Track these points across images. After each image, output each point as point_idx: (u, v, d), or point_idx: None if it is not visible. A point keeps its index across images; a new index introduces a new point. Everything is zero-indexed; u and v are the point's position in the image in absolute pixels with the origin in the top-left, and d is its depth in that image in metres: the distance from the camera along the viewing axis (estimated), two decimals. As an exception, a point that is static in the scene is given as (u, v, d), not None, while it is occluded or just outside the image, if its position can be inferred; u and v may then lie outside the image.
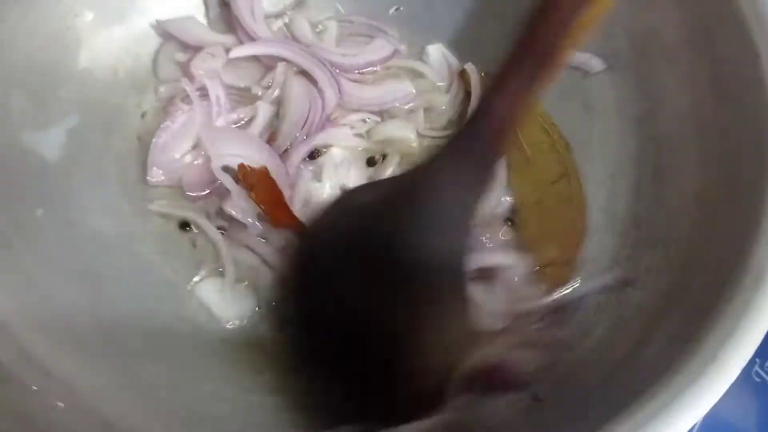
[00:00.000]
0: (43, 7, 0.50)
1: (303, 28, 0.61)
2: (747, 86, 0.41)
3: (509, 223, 0.54)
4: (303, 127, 0.57)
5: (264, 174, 0.53)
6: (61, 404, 0.39)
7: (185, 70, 0.57)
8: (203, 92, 0.56)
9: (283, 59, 0.58)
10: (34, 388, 0.39)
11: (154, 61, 0.57)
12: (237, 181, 0.52)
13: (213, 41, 0.59)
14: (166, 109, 0.56)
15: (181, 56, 0.58)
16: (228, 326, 0.51)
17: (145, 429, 0.41)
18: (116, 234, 0.52)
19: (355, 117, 0.58)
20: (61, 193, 0.50)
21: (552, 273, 0.50)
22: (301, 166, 0.56)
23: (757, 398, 0.52)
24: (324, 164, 0.56)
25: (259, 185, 0.52)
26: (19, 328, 0.41)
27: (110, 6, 0.55)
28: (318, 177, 0.55)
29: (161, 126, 0.55)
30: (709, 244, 0.39)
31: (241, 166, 0.52)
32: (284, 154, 0.56)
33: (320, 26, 0.62)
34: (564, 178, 0.55)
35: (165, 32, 0.58)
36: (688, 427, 0.30)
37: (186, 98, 0.56)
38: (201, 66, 0.57)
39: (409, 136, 0.58)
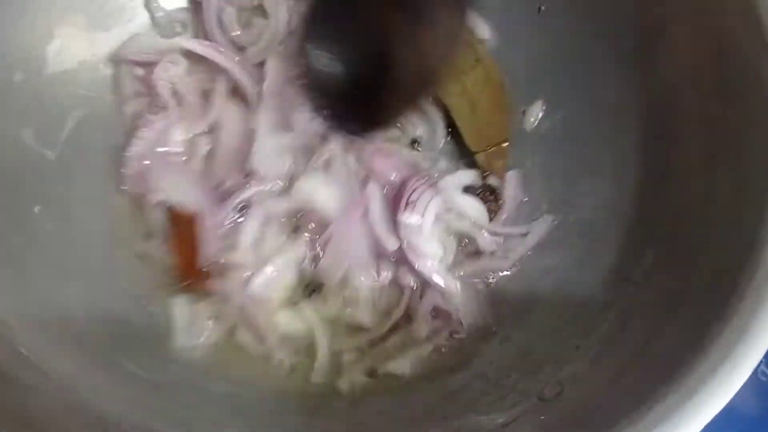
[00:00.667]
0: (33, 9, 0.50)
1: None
2: (754, 84, 0.40)
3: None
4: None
5: (189, 223, 0.52)
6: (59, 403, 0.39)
7: (147, 83, 0.56)
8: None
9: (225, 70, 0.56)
10: (32, 386, 0.39)
11: (114, 83, 0.56)
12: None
13: (168, 48, 0.57)
14: (134, 124, 0.55)
15: (139, 71, 0.56)
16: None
17: (145, 427, 0.41)
18: (112, 232, 0.52)
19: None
20: (59, 192, 0.50)
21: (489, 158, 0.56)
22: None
23: (763, 397, 0.52)
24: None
25: (181, 234, 0.52)
26: (16, 326, 0.41)
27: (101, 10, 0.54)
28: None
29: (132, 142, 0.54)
30: (716, 242, 0.39)
31: (173, 210, 0.52)
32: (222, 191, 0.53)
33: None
34: (478, 63, 0.59)
35: (121, 59, 0.56)
36: (699, 429, 0.30)
37: (153, 108, 0.55)
38: (163, 76, 0.55)
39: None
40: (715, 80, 0.44)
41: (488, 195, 0.57)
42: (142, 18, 0.57)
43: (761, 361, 0.52)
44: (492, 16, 0.58)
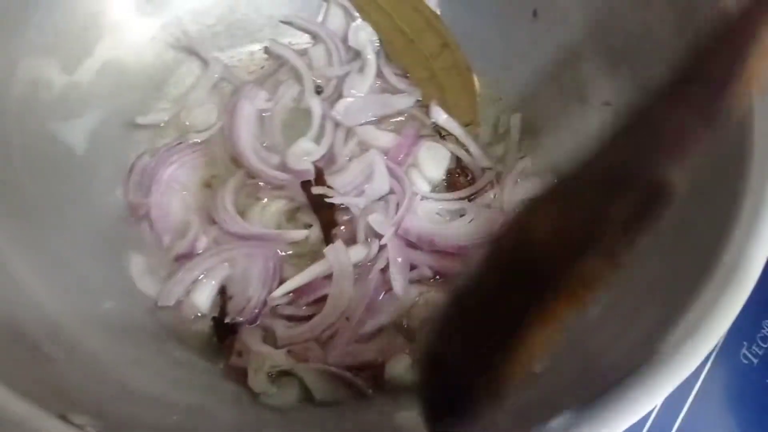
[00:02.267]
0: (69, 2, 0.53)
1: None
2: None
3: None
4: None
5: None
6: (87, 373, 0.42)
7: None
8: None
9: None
10: (61, 360, 0.41)
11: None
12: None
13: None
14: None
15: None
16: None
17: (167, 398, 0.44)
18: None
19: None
20: (86, 181, 0.53)
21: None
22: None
23: (745, 379, 0.54)
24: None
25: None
26: (50, 305, 0.44)
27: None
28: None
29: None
30: (695, 226, 0.41)
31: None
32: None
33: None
34: (445, 48, 0.61)
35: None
36: (671, 389, 0.33)
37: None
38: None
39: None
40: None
41: (459, 175, 0.59)
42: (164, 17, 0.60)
43: (743, 345, 0.55)
44: (487, 17, 0.61)
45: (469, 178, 0.58)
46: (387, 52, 0.64)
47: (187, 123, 0.59)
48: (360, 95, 0.61)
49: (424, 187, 0.57)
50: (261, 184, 0.57)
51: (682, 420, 0.53)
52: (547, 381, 0.41)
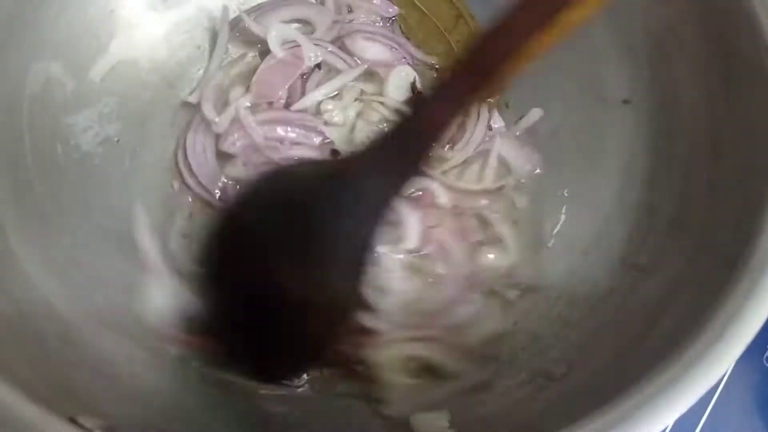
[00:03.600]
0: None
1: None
2: (757, 79, 0.42)
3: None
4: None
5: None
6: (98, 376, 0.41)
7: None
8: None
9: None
10: (74, 361, 0.41)
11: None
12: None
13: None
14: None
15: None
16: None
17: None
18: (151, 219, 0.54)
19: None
20: (98, 179, 0.52)
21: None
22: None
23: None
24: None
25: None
26: (63, 306, 0.44)
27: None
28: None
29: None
30: (720, 228, 0.40)
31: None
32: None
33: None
34: (459, 20, 0.60)
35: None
36: (695, 401, 0.32)
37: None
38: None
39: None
40: (722, 79, 0.45)
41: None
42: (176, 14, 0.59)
43: (766, 349, 0.54)
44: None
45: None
46: (402, 27, 0.63)
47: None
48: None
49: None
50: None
51: (704, 423, 0.53)
52: (573, 384, 0.41)
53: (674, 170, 0.48)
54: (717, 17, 0.46)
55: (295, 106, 0.58)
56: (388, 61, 0.61)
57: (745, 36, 0.43)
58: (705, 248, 0.40)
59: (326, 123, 0.58)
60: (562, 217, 0.55)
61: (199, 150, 0.57)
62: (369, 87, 0.60)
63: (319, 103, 0.58)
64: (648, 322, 0.40)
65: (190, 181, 0.56)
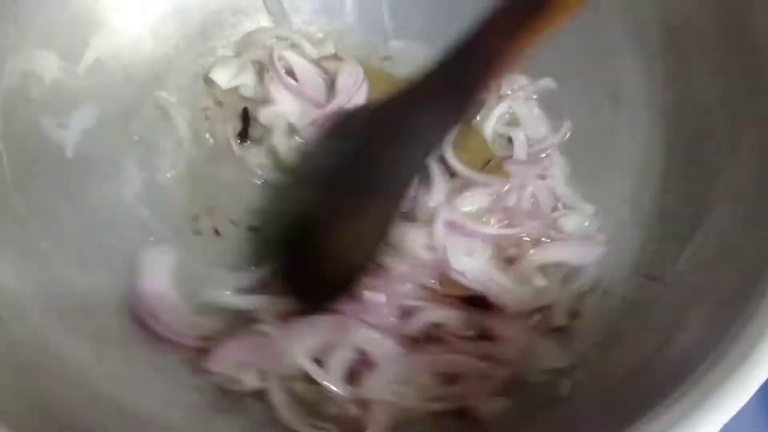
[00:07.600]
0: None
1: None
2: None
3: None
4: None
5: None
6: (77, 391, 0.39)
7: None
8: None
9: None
10: (52, 375, 0.39)
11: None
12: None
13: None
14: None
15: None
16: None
17: (165, 417, 0.42)
18: (130, 219, 0.52)
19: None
20: (79, 180, 0.50)
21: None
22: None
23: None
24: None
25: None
26: (37, 314, 0.42)
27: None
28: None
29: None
30: (742, 238, 0.38)
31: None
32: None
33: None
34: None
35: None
36: (718, 429, 0.30)
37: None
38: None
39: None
40: (741, 75, 0.44)
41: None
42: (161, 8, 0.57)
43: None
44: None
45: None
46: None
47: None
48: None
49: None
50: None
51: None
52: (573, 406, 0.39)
53: (690, 173, 0.46)
54: (735, 8, 0.44)
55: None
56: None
57: (765, 32, 0.42)
58: (725, 260, 0.38)
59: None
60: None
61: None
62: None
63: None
64: (665, 339, 0.38)
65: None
